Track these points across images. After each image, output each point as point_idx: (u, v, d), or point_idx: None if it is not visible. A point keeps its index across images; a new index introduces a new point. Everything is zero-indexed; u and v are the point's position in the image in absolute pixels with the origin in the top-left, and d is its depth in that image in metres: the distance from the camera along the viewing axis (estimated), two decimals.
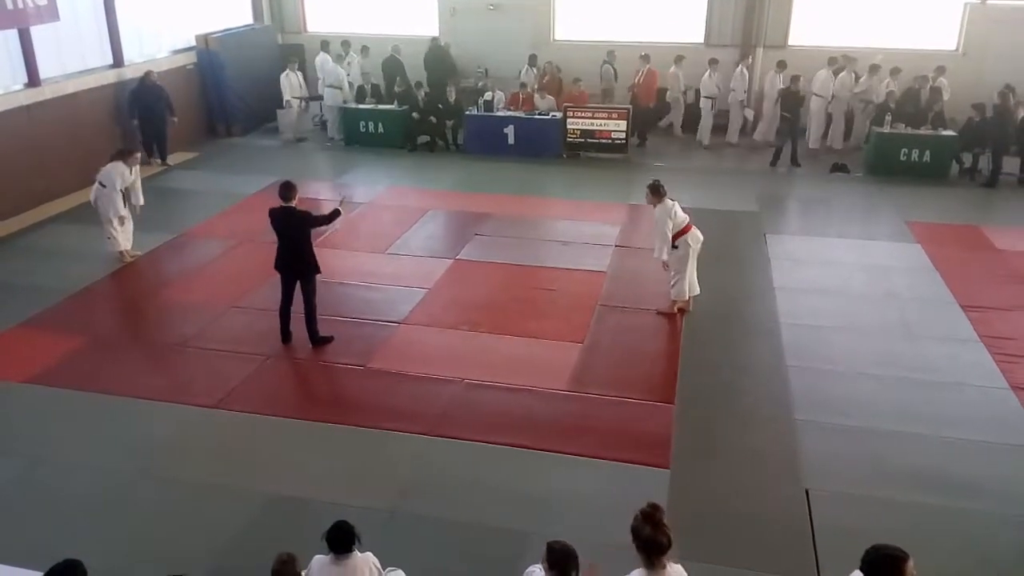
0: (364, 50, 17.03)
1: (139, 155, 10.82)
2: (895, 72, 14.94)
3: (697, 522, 5.89)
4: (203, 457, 6.71)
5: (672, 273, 9.03)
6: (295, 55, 17.01)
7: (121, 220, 10.43)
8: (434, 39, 16.92)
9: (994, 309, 9.23)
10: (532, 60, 16.46)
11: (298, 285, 8.34)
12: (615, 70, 16.22)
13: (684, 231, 8.88)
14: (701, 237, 9.03)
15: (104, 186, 10.22)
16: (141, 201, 10.70)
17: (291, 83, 16.29)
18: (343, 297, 9.63)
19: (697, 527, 5.83)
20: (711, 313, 9.22)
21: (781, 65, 15.18)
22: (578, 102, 15.47)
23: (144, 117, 14.19)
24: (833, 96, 15.23)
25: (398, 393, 7.60)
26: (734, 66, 16.01)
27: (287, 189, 8.23)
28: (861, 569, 3.78)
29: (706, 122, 16.01)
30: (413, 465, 6.64)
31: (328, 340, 8.45)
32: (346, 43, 17.00)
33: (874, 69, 15.07)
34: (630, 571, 4.04)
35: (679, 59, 16.05)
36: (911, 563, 3.68)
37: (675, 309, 9.12)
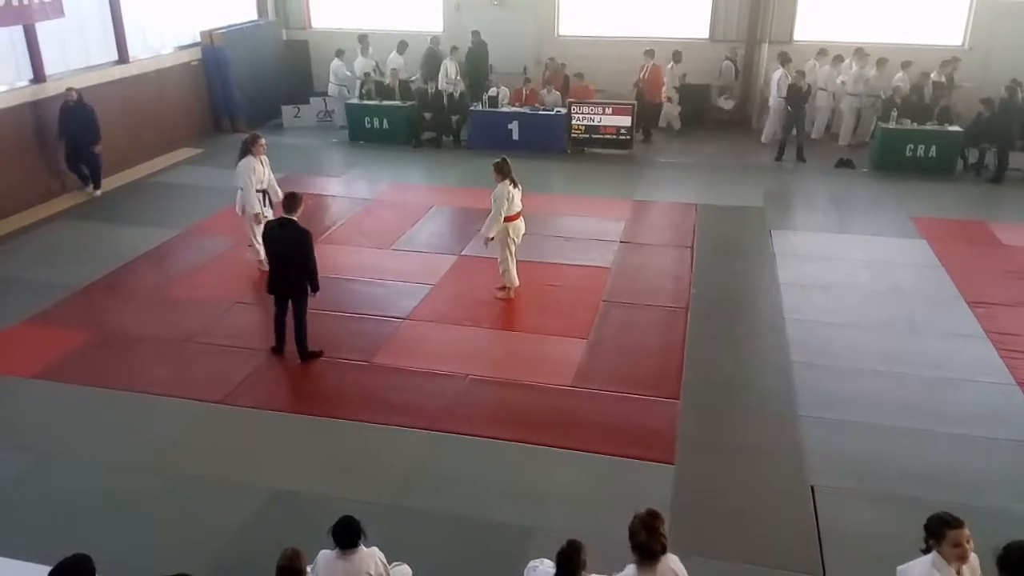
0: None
1: (263, 142, 9.88)
2: (906, 65, 14.85)
3: (702, 518, 5.89)
4: (208, 452, 6.73)
5: (499, 260, 9.29)
6: (339, 47, 17.11)
7: (258, 219, 9.62)
8: (474, 32, 16.86)
9: (1000, 305, 9.21)
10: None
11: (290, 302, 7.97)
12: (737, 68, 16.08)
13: (511, 218, 9.05)
14: (523, 230, 9.27)
15: (241, 188, 9.73)
16: (279, 194, 9.60)
17: (337, 72, 16.57)
18: (348, 293, 9.64)
19: (702, 523, 5.83)
20: (716, 309, 9.22)
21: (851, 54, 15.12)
22: (583, 97, 15.45)
23: (71, 141, 12.49)
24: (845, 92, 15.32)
25: (402, 388, 7.61)
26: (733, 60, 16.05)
27: (293, 200, 7.74)
28: (925, 527, 3.95)
29: (777, 120, 15.88)
30: (418, 460, 6.65)
31: (318, 354, 8.11)
32: (364, 37, 17.04)
33: (882, 63, 15.02)
34: (627, 565, 4.09)
35: (823, 54, 15.55)
36: (958, 532, 3.84)
37: (505, 294, 9.35)
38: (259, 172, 9.70)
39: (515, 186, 9.09)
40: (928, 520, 3.97)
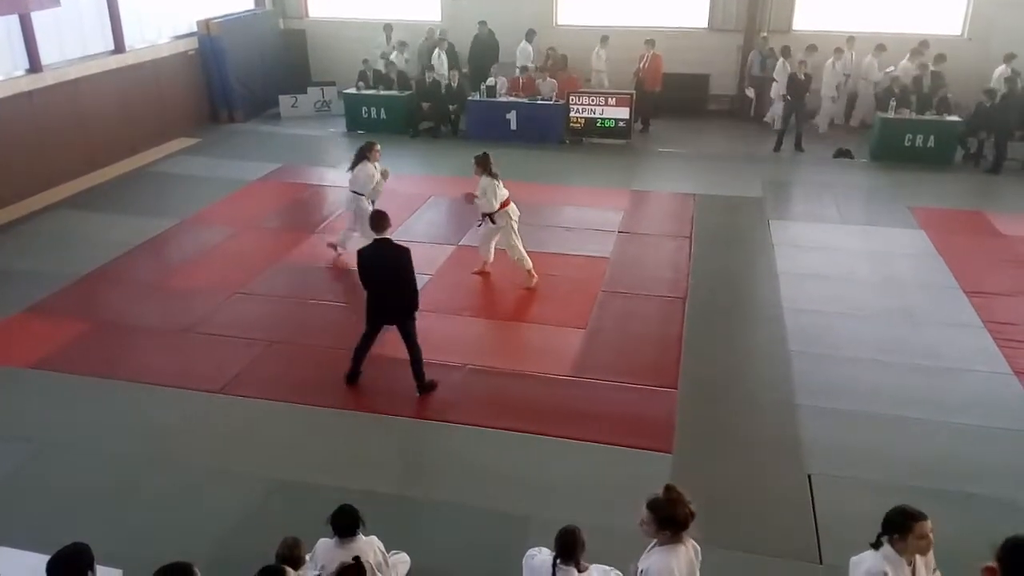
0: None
1: (379, 148, 10.09)
2: (1009, 59, 14.61)
3: (699, 506, 5.82)
4: (207, 442, 6.74)
5: (508, 249, 9.44)
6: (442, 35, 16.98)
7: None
8: (481, 23, 16.78)
9: (997, 295, 9.22)
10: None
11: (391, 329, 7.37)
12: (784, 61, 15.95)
13: (503, 205, 9.19)
14: (518, 212, 9.42)
15: (360, 194, 9.77)
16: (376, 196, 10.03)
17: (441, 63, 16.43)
18: (345, 283, 9.64)
19: (699, 511, 5.80)
20: (714, 299, 9.23)
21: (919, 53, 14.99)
22: (569, 87, 15.38)
23: None
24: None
25: (401, 378, 7.58)
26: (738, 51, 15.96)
27: (382, 219, 7.18)
28: (889, 522, 3.94)
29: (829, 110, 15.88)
30: (416, 450, 6.68)
31: (435, 385, 7.44)
32: (388, 26, 17.10)
33: (917, 54, 14.94)
34: (646, 550, 4.09)
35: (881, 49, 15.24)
36: (924, 524, 3.84)
37: (534, 280, 9.48)
38: (375, 178, 9.88)
39: (496, 178, 9.19)
40: (892, 515, 3.94)
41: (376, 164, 9.92)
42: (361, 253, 7.18)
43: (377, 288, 7.18)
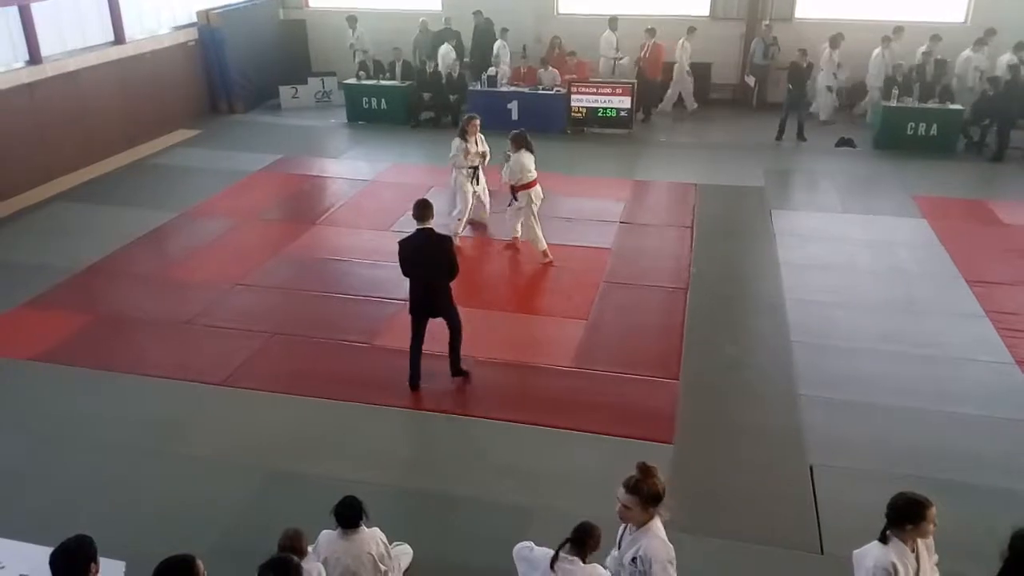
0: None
1: (477, 122, 10.28)
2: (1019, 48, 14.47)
3: (701, 497, 5.92)
4: (209, 434, 6.76)
5: (527, 230, 9.89)
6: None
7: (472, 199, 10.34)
8: (476, 12, 16.68)
9: (1000, 284, 9.20)
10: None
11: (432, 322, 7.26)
12: (777, 48, 15.79)
13: (529, 185, 9.65)
14: (542, 195, 9.84)
15: (459, 168, 10.24)
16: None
17: (445, 57, 16.19)
18: (347, 275, 9.65)
19: (701, 502, 5.86)
20: (716, 289, 9.21)
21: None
22: (580, 75, 15.31)
23: None
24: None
25: (403, 370, 7.57)
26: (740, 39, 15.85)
27: (423, 208, 7.08)
28: (887, 515, 3.92)
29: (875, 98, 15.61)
30: (418, 441, 6.69)
31: (467, 374, 7.46)
32: (352, 18, 17.00)
33: (980, 43, 14.67)
34: (621, 538, 4.12)
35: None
36: (933, 510, 3.84)
37: (548, 258, 9.79)
38: (471, 152, 10.21)
39: (531, 152, 9.75)
40: (901, 505, 3.90)
41: (476, 138, 10.21)
42: (401, 242, 7.14)
43: (417, 278, 7.10)
